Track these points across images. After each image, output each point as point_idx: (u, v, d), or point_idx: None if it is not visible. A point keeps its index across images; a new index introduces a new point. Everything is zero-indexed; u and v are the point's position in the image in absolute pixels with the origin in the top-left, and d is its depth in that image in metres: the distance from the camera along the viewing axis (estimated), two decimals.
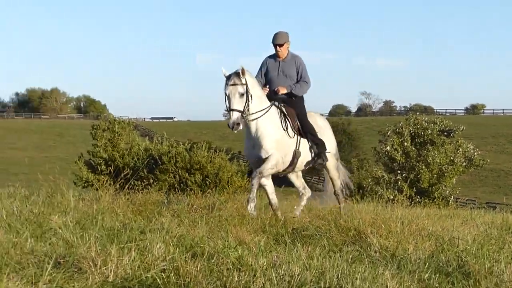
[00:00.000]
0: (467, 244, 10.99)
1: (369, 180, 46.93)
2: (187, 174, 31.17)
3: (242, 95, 13.17)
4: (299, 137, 14.14)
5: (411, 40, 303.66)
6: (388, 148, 48.75)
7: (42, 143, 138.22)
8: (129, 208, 13.21)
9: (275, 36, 14.44)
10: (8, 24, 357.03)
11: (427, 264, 9.30)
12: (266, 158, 13.66)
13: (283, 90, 14.31)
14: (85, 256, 8.34)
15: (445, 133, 50.04)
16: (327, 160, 14.95)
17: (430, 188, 46.23)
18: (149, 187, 19.70)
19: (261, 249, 9.77)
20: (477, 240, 11.59)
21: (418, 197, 39.84)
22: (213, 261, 8.75)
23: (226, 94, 13.30)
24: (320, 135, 14.75)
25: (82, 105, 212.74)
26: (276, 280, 7.88)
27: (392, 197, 30.21)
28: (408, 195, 37.37)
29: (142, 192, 14.07)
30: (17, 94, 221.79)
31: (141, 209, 13.34)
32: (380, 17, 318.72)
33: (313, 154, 14.59)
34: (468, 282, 8.58)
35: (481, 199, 65.44)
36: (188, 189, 26.03)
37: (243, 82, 13.22)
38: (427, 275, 8.78)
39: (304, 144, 14.25)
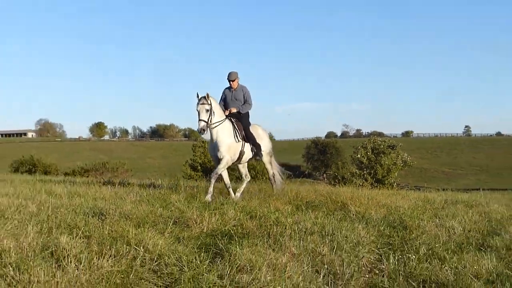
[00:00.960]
0: (405, 210, 11.20)
1: (348, 173, 47.05)
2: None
3: (207, 111, 12.93)
4: (243, 142, 13.82)
5: (371, 91, 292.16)
6: (358, 156, 49.33)
7: (166, 155, 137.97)
8: (216, 189, 13.23)
9: (230, 75, 14.04)
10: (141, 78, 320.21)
11: (382, 221, 9.53)
12: (221, 159, 13.34)
13: (233, 110, 14.03)
14: (190, 217, 9.09)
15: (391, 147, 50.55)
16: (262, 157, 14.53)
17: (382, 178, 46.41)
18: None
19: (288, 213, 9.96)
20: (410, 207, 11.80)
21: (376, 184, 39.79)
22: (261, 220, 8.96)
23: (197, 110, 12.98)
24: (259, 140, 14.35)
25: (187, 133, 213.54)
26: (298, 231, 7.96)
27: (361, 183, 30.20)
28: (370, 183, 37.46)
29: (220, 181, 14.06)
30: (151, 127, 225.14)
31: (221, 191, 13.40)
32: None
33: (253, 153, 14.17)
34: (406, 231, 8.70)
35: (411, 184, 65.24)
36: None
37: (208, 102, 12.98)
38: (382, 227, 8.88)
39: (247, 146, 13.92)
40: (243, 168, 15.19)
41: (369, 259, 7.38)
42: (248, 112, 14.35)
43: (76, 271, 5.97)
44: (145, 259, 6.56)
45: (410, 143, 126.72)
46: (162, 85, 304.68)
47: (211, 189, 12.97)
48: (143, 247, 6.90)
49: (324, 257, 7.15)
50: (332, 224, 9.16)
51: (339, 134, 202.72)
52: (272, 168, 15.14)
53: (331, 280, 6.49)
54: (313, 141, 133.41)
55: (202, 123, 12.86)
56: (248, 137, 13.94)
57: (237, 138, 13.62)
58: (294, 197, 12.85)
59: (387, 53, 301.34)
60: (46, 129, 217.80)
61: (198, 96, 13.06)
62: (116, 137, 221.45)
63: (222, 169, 13.44)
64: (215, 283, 6.06)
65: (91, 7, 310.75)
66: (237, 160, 13.94)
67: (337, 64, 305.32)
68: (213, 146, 13.51)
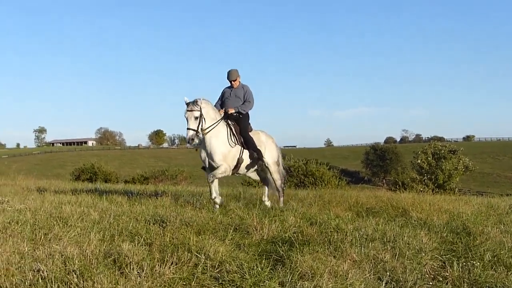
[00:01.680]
0: (468, 216, 11.03)
1: (408, 179, 46.46)
2: (304, 177, 31.09)
3: (196, 118, 11.84)
4: (242, 148, 12.60)
5: (431, 96, 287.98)
6: (419, 161, 48.63)
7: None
8: (273, 197, 13.25)
9: (229, 74, 12.98)
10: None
11: (445, 228, 9.37)
12: (217, 166, 12.27)
13: (231, 110, 12.82)
14: (250, 224, 9.11)
15: (452, 152, 49.79)
16: (263, 164, 13.26)
17: (443, 183, 45.71)
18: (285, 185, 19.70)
19: (349, 219, 9.91)
20: (473, 213, 11.60)
21: (437, 189, 39.17)
22: (322, 227, 9.06)
23: (185, 117, 11.94)
24: (262, 148, 13.13)
25: None
26: (358, 238, 7.92)
27: (421, 189, 29.68)
28: (431, 188, 36.87)
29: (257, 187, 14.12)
30: None
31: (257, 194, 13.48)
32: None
33: (253, 160, 12.87)
34: (469, 238, 8.59)
35: (473, 190, 64.25)
36: (306, 186, 26.00)
37: (198, 108, 11.88)
38: (445, 234, 8.77)
39: (246, 153, 12.66)
40: (274, 179, 13.69)
41: (432, 266, 7.26)
42: (248, 114, 13.20)
43: (139, 278, 6.04)
44: (206, 266, 6.60)
45: (471, 147, 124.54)
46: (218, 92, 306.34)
47: (214, 194, 12.23)
48: (204, 254, 6.94)
49: (386, 264, 7.07)
50: (393, 231, 9.02)
51: (398, 139, 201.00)
52: (280, 178, 13.75)
53: (393, 287, 6.43)
54: (372, 146, 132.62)
55: (190, 133, 11.87)
56: (247, 142, 12.77)
57: (233, 142, 12.47)
58: (354, 203, 12.78)
59: (448, 57, 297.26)
60: (106, 138, 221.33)
61: (186, 102, 12.02)
62: (175, 145, 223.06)
63: (220, 175, 12.31)
64: None
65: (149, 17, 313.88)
66: (234, 169, 12.77)
67: (395, 69, 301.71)
68: (205, 155, 12.44)
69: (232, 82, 13.04)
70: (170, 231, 8.42)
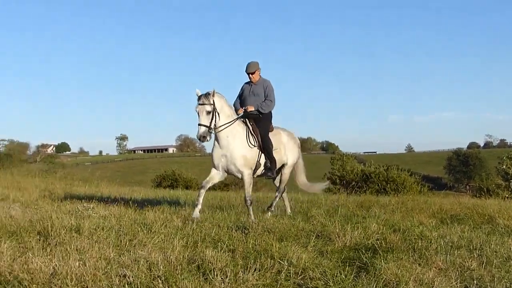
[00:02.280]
0: None
1: (493, 185, 45.28)
2: (385, 183, 30.76)
3: (208, 112, 10.81)
4: (260, 151, 11.57)
5: None
6: (504, 166, 47.10)
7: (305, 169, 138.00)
8: (354, 204, 13.16)
9: (247, 66, 11.78)
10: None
11: None
12: (240, 177, 11.40)
13: (250, 108, 11.69)
14: (333, 231, 9.04)
15: None
16: (273, 176, 12.25)
17: None
18: (364, 191, 19.52)
19: (433, 226, 9.75)
20: None
21: None
22: (405, 234, 8.84)
23: (196, 111, 10.93)
24: (282, 149, 12.12)
25: (324, 146, 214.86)
26: (443, 245, 7.76)
27: (507, 196, 28.88)
28: None
29: (360, 194, 13.96)
30: None
31: (362, 204, 13.25)
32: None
33: (265, 169, 11.78)
34: None
35: None
36: (387, 193, 25.82)
37: (211, 102, 10.87)
38: None
39: (263, 158, 11.65)
40: (282, 180, 12.74)
41: None
42: (270, 114, 12.07)
43: (222, 284, 6.08)
44: (289, 272, 6.59)
45: None
46: (297, 97, 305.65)
47: (252, 216, 11.16)
48: (287, 261, 6.93)
49: (473, 272, 6.92)
50: (480, 238, 8.84)
51: (481, 144, 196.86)
52: (299, 173, 13.01)
53: None
54: (455, 152, 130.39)
55: (202, 129, 10.85)
56: (264, 147, 11.65)
57: (251, 144, 11.45)
58: (438, 210, 12.59)
59: None
60: (186, 145, 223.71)
61: (197, 94, 11.08)
62: None
63: (250, 187, 11.42)
64: None
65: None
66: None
67: (478, 72, 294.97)
68: (221, 156, 11.39)
69: (250, 75, 11.91)
70: (252, 237, 8.44)
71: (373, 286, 6.17)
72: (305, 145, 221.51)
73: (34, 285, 5.85)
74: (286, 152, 12.33)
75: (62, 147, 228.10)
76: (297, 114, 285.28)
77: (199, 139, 10.94)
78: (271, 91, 11.88)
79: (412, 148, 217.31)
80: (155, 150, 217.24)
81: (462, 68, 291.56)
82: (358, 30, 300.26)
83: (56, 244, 7.70)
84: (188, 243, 8.09)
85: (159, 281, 6.03)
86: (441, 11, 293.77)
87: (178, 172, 46.31)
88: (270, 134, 11.89)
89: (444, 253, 7.75)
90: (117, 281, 6.05)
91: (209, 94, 10.95)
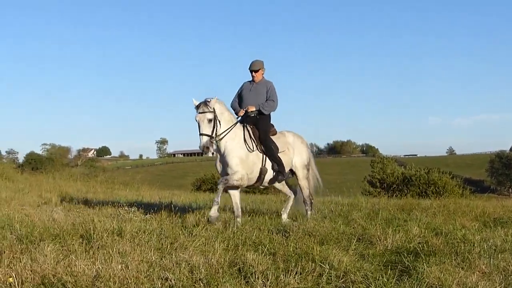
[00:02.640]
0: None
1: None
2: (426, 186, 30.51)
3: (210, 121, 10.29)
4: (264, 155, 10.99)
5: None
6: None
7: (342, 171, 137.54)
8: (395, 207, 13.10)
9: (251, 64, 11.26)
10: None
11: None
12: (233, 172, 10.61)
13: (251, 108, 11.12)
14: (374, 234, 9.07)
15: None
16: (285, 178, 11.62)
17: None
18: (405, 194, 19.41)
19: (476, 230, 9.64)
20: None
21: None
22: (447, 237, 8.81)
23: (196, 120, 10.39)
24: (290, 151, 11.51)
25: (364, 148, 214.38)
26: (487, 249, 7.68)
27: None
28: None
29: (401, 197, 13.87)
30: (328, 144, 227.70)
31: (403, 207, 13.17)
32: None
33: (274, 173, 11.17)
34: None
35: None
36: (428, 196, 25.64)
37: (211, 109, 10.36)
38: None
39: (269, 163, 11.03)
40: (284, 187, 12.51)
41: None
42: (269, 116, 11.49)
43: (264, 287, 6.10)
44: (331, 276, 6.57)
45: None
46: (337, 101, 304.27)
47: (217, 198, 10.53)
48: (328, 264, 6.92)
49: None
50: None
51: None
52: (309, 186, 12.04)
53: None
54: (497, 154, 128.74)
55: (205, 139, 10.33)
56: (267, 149, 11.06)
57: (252, 147, 10.88)
58: (480, 213, 12.44)
59: None
60: None
61: (195, 104, 10.57)
62: None
63: (236, 181, 10.62)
64: None
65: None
66: (257, 182, 11.16)
67: None
68: (222, 162, 10.92)
69: (254, 73, 11.39)
70: (293, 241, 8.44)
71: None
72: (345, 148, 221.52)
73: None
74: (294, 152, 11.75)
75: (103, 151, 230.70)
76: (337, 117, 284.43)
77: (202, 150, 10.42)
78: (273, 91, 11.39)
79: (453, 151, 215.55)
80: (195, 154, 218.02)
81: (505, 70, 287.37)
82: (399, 33, 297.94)
83: (98, 247, 7.78)
84: (229, 246, 8.11)
85: (201, 284, 6.07)
86: (484, 14, 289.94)
87: (218, 176, 46.42)
88: (274, 137, 11.41)
89: (487, 256, 7.66)
90: (159, 284, 6.10)
91: (208, 101, 10.49)
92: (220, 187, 10.63)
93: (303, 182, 11.90)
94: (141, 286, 6.03)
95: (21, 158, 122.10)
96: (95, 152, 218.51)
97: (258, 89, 11.36)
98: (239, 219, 10.89)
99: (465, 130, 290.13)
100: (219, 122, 10.55)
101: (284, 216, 12.01)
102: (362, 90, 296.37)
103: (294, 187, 12.53)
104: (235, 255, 7.47)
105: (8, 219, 9.99)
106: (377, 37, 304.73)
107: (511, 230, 10.09)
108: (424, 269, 6.76)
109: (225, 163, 10.77)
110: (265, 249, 7.77)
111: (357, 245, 8.42)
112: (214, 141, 10.57)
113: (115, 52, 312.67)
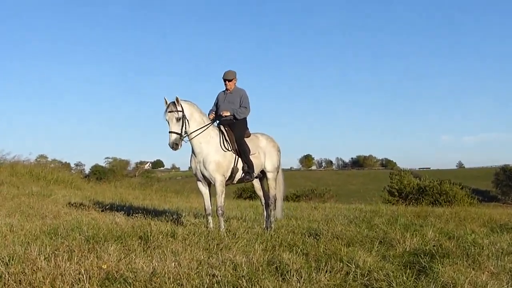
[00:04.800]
0: None
1: None
2: (439, 196, 30.20)
3: (178, 119, 9.71)
4: (237, 156, 10.40)
5: None
6: None
7: (365, 182, 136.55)
8: (412, 214, 13.02)
9: (226, 74, 10.72)
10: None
11: None
12: (213, 183, 10.17)
13: (226, 113, 10.57)
14: (394, 238, 9.04)
15: None
16: (253, 178, 10.80)
17: None
18: (420, 203, 19.18)
19: (484, 234, 9.63)
20: None
21: None
22: (459, 241, 8.79)
23: (165, 119, 9.81)
24: (261, 155, 10.84)
25: (383, 162, 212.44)
26: (494, 251, 7.66)
27: None
28: None
29: (417, 205, 13.75)
30: (352, 158, 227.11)
31: (419, 215, 13.03)
32: None
33: (243, 172, 10.53)
34: None
35: None
36: (441, 204, 25.36)
37: (179, 109, 9.76)
38: None
39: (240, 163, 10.44)
40: (270, 186, 11.33)
41: None
42: (245, 120, 10.96)
43: (298, 284, 6.06)
44: (356, 274, 6.52)
45: None
46: (360, 117, 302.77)
47: (222, 227, 10.01)
48: (354, 264, 6.86)
49: None
50: None
51: None
52: (276, 187, 11.32)
53: None
54: (502, 168, 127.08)
55: (173, 136, 9.77)
56: (241, 151, 10.49)
57: (226, 147, 10.30)
58: (488, 220, 12.30)
59: None
60: None
61: (166, 102, 9.96)
62: (322, 167, 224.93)
63: (222, 196, 10.21)
64: None
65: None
66: (228, 180, 10.50)
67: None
68: (197, 164, 10.31)
69: (227, 82, 10.83)
70: (323, 242, 8.39)
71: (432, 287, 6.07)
72: (367, 161, 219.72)
73: (137, 283, 5.94)
74: (265, 156, 11.08)
75: (157, 164, 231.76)
76: (358, 133, 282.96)
77: (172, 147, 9.80)
78: (246, 99, 10.86)
79: (462, 165, 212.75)
80: None
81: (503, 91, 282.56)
82: (413, 52, 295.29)
83: (154, 247, 7.79)
84: (267, 247, 8.08)
85: (243, 280, 6.05)
86: (497, 37, 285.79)
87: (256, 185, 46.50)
88: (248, 139, 10.79)
89: (495, 258, 7.57)
90: (207, 280, 6.09)
91: (177, 100, 9.86)
92: (221, 218, 10.17)
93: (271, 182, 11.22)
94: (192, 281, 6.02)
95: (87, 169, 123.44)
96: (150, 165, 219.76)
97: (232, 98, 10.81)
98: (210, 217, 10.41)
99: (472, 146, 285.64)
100: (188, 121, 9.96)
101: (272, 220, 11.11)
102: (384, 110, 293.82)
103: (267, 197, 11.48)
104: (272, 255, 7.43)
105: (77, 222, 10.06)
106: (394, 56, 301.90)
107: None
108: (439, 269, 6.68)
109: (202, 166, 10.21)
110: (299, 250, 7.74)
111: (379, 247, 8.33)
112: (184, 140, 9.97)
113: (168, 64, 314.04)
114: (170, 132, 9.77)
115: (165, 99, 9.92)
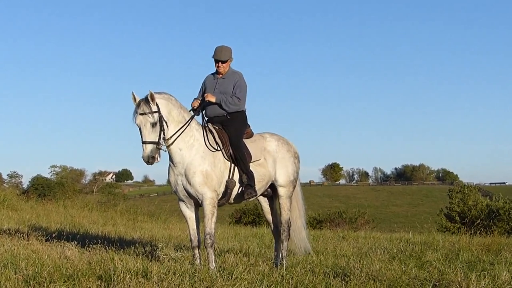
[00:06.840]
0: None
1: None
2: None
3: (154, 124, 9.26)
4: (232, 164, 9.98)
5: None
6: None
7: (413, 202, 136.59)
8: (479, 246, 12.94)
9: (218, 52, 10.21)
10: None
11: None
12: (201, 201, 9.70)
13: (211, 98, 10.05)
14: (453, 280, 8.77)
15: None
16: (257, 195, 10.28)
17: None
18: (492, 232, 19.17)
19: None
20: None
21: None
22: None
23: (136, 124, 9.38)
24: (270, 162, 10.48)
25: (440, 175, 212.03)
26: None
27: None
28: None
29: (486, 235, 13.75)
30: (396, 168, 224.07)
31: (489, 247, 12.99)
32: None
33: (242, 187, 10.10)
34: None
35: None
36: None
37: (154, 109, 9.29)
38: None
39: (237, 173, 10.02)
40: (282, 207, 10.90)
41: None
42: (243, 114, 10.58)
43: None
44: None
45: None
46: (405, 118, 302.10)
47: (212, 262, 9.81)
48: None
49: None
50: None
51: None
52: (291, 208, 10.95)
53: None
54: None
55: (149, 148, 9.32)
56: (237, 157, 10.04)
57: (214, 147, 9.92)
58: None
59: None
60: None
61: (135, 100, 9.60)
62: (354, 181, 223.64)
63: (213, 220, 9.83)
64: None
65: None
66: (222, 198, 10.12)
67: None
68: (177, 177, 9.97)
69: (220, 64, 10.39)
70: (354, 286, 8.44)
71: None
72: (417, 173, 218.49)
73: None
74: (276, 164, 10.72)
75: (123, 175, 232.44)
76: (404, 135, 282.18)
77: (147, 162, 9.42)
78: (242, 87, 10.49)
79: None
80: None
81: None
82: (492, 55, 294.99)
83: None
84: None
85: None
86: None
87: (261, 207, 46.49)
88: (249, 141, 10.54)
89: None
90: None
91: (151, 98, 9.45)
92: (210, 250, 9.89)
93: (284, 202, 10.86)
94: None
95: (25, 182, 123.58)
96: (114, 176, 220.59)
97: (224, 86, 10.46)
98: (196, 250, 10.24)
99: None
100: (167, 123, 9.61)
101: (283, 262, 10.68)
102: (440, 105, 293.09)
103: (278, 223, 11.28)
104: None
105: (11, 256, 10.10)
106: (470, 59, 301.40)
107: None
108: None
109: (184, 180, 9.89)
110: None
111: None
112: (162, 148, 9.66)
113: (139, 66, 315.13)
114: (143, 142, 9.42)
115: (133, 95, 9.66)
